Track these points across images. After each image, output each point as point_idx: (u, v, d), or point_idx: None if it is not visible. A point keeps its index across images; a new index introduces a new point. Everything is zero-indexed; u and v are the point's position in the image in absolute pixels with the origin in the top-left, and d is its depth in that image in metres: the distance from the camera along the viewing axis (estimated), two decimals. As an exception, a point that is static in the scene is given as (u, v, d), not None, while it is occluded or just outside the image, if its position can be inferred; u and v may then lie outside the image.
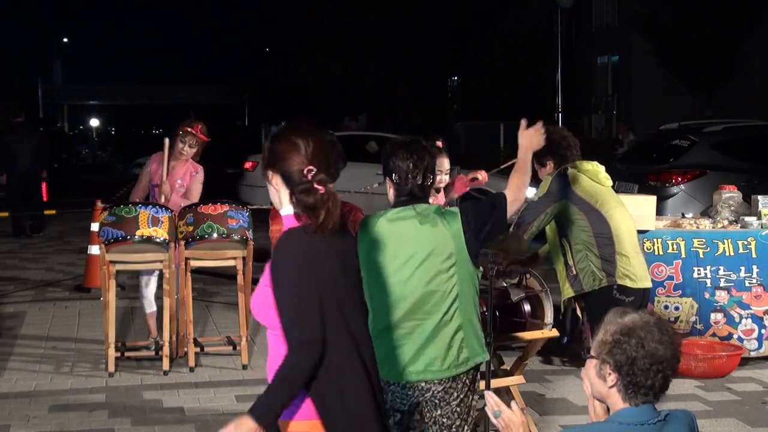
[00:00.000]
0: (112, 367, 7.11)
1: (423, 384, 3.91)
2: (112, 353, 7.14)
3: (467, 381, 3.97)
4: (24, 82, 44.86)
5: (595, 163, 5.78)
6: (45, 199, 15.99)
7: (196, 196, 7.64)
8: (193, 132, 7.55)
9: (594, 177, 5.69)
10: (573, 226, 5.58)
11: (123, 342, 7.74)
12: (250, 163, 16.70)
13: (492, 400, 2.96)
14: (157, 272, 7.59)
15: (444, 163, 5.76)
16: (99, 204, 9.48)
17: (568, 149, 5.71)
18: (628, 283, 5.52)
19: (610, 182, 5.82)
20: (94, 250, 9.89)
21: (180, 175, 7.63)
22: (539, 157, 5.55)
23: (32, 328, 8.71)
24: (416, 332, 3.89)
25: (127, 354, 7.48)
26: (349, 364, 3.12)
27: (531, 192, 18.42)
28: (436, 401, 3.93)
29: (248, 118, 54.28)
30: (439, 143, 5.83)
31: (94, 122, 79.37)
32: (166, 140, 7.55)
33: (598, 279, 5.53)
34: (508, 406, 2.96)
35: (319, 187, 3.09)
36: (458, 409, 3.95)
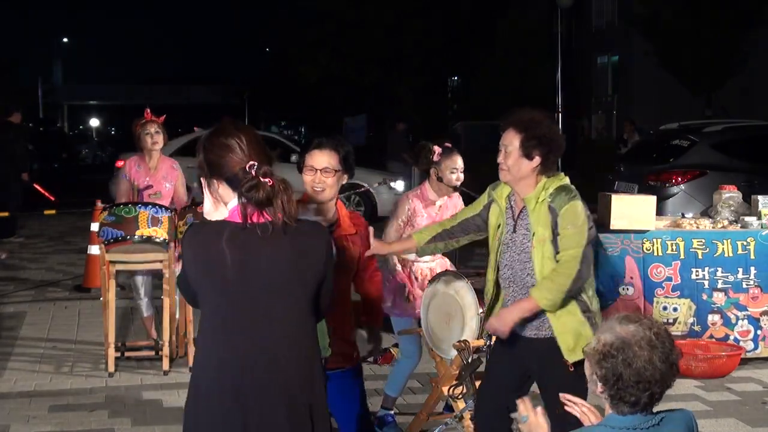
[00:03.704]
0: (112, 367, 7.12)
1: None
2: (112, 353, 7.15)
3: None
4: (24, 82, 44.84)
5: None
6: (52, 198, 15.88)
7: (184, 198, 7.61)
8: (148, 119, 7.45)
9: None
10: (596, 259, 4.48)
11: (123, 342, 7.74)
12: None
13: (522, 406, 2.97)
14: (150, 275, 7.59)
15: (457, 160, 5.88)
16: (99, 204, 9.47)
17: (561, 147, 4.25)
18: None
19: None
20: (94, 250, 9.89)
21: (162, 174, 7.53)
22: (527, 146, 4.12)
23: (32, 328, 8.71)
24: None
25: (127, 354, 7.49)
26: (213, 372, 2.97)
27: (400, 185, 18.12)
28: None
29: (248, 118, 54.24)
30: (448, 144, 5.96)
31: (94, 122, 79.30)
32: (196, 129, 7.33)
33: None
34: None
35: (266, 180, 2.90)
36: None
